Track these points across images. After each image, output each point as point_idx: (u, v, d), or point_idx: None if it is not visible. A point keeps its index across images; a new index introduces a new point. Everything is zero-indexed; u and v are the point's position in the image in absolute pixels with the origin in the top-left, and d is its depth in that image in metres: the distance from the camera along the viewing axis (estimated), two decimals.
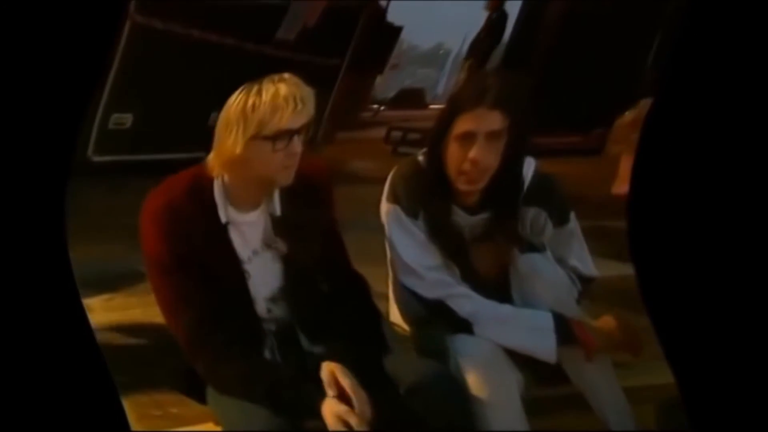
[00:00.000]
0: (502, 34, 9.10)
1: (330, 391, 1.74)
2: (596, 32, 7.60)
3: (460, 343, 1.99)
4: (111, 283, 3.30)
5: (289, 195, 1.91)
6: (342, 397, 1.74)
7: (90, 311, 3.08)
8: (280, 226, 1.93)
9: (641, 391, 2.10)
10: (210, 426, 2.02)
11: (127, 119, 5.89)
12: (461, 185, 2.01)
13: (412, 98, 11.47)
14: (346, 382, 1.75)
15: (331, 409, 1.73)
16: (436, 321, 2.05)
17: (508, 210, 2.07)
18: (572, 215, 2.16)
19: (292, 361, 1.92)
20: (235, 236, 1.92)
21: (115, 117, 5.81)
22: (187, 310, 1.85)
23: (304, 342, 1.98)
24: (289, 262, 1.95)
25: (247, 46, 6.63)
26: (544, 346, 1.99)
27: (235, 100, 1.83)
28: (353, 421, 1.71)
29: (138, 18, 5.88)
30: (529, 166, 2.11)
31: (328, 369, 1.78)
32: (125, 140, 5.83)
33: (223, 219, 1.91)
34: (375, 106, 10.48)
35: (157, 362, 2.43)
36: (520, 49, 8.61)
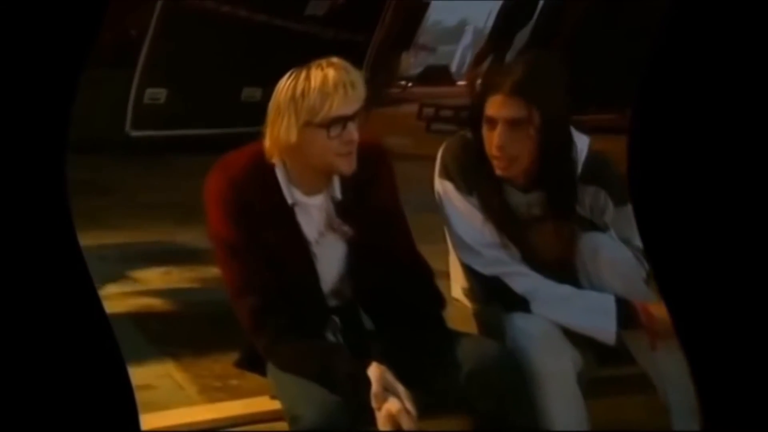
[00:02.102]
0: (534, 11, 9.00)
1: (376, 387, 1.73)
2: (625, 6, 7.53)
3: (517, 320, 1.98)
4: (164, 258, 3.31)
5: (348, 178, 1.90)
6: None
7: (146, 283, 3.11)
8: (342, 209, 1.92)
9: None
10: (264, 399, 2.04)
11: (162, 94, 5.91)
12: (497, 170, 2.01)
13: (438, 75, 11.45)
14: (396, 386, 1.75)
15: (386, 407, 1.72)
16: (493, 298, 2.04)
17: (564, 188, 2.05)
18: None
19: (354, 342, 1.92)
20: (302, 218, 1.91)
21: (149, 92, 5.83)
22: (253, 293, 1.85)
23: (367, 323, 1.97)
24: (354, 245, 1.94)
25: (277, 22, 6.62)
26: (603, 327, 1.97)
27: (284, 86, 1.82)
28: (405, 422, 1.71)
29: None
30: (583, 144, 2.08)
31: (376, 371, 1.76)
32: (161, 115, 5.86)
33: (290, 200, 1.90)
34: (403, 82, 10.45)
35: (217, 335, 2.44)
36: (549, 26, 8.54)
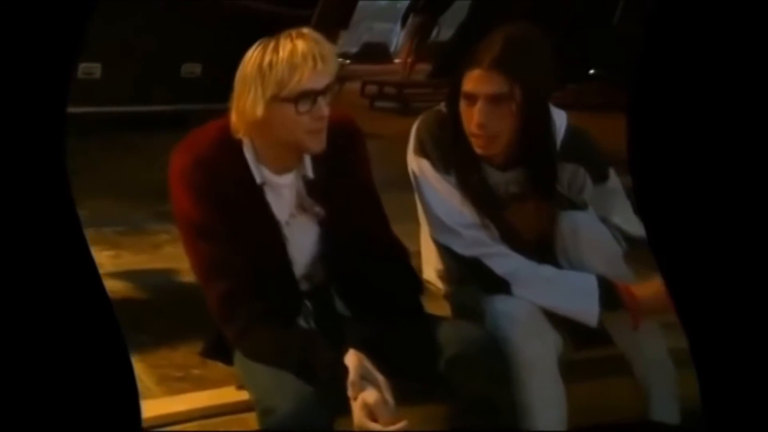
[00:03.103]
0: None
1: (353, 375, 1.66)
2: None
3: (498, 303, 1.91)
4: (113, 241, 3.15)
5: (320, 157, 1.81)
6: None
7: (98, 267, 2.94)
8: (314, 189, 1.84)
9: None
10: (231, 390, 1.95)
11: (96, 69, 5.68)
12: (476, 148, 1.94)
13: (376, 52, 11.36)
14: (374, 374, 1.67)
15: (362, 396, 1.65)
16: (473, 280, 1.97)
17: (543, 166, 1.98)
18: (612, 171, 2.07)
19: (327, 328, 1.84)
20: (272, 198, 1.82)
21: (83, 66, 5.59)
22: (223, 277, 1.75)
23: (341, 308, 1.89)
24: (327, 227, 1.85)
25: None
26: (586, 308, 1.92)
27: (251, 57, 1.73)
28: (382, 413, 1.64)
29: None
30: (561, 120, 2.02)
31: (354, 358, 1.68)
32: (97, 91, 5.62)
33: (258, 180, 1.80)
34: (340, 59, 10.33)
35: (175, 321, 2.33)
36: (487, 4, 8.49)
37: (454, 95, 1.95)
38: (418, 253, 2.11)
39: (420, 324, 1.83)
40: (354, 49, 11.77)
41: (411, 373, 1.78)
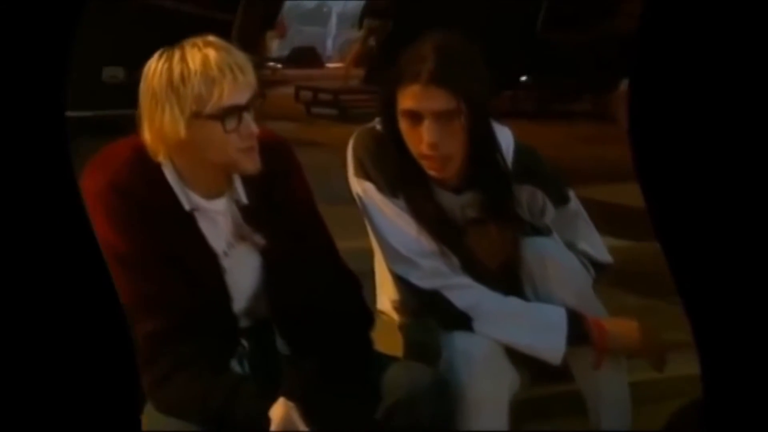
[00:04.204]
0: None
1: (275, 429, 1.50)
2: None
3: (456, 340, 1.73)
4: None
5: (251, 178, 1.63)
6: None
7: None
8: (250, 215, 1.65)
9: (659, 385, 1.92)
10: None
11: None
12: (429, 171, 1.77)
13: (306, 57, 11.21)
14: (299, 426, 1.52)
15: None
16: (431, 314, 1.80)
17: (497, 186, 1.82)
18: (572, 193, 1.92)
19: (263, 370, 1.67)
20: (205, 226, 1.62)
21: None
22: (151, 314, 1.55)
23: (282, 347, 1.70)
24: (268, 256, 1.66)
25: None
26: (551, 345, 1.76)
27: (156, 70, 1.55)
28: None
29: None
30: (507, 138, 1.86)
31: (280, 410, 1.52)
32: None
33: (187, 206, 1.61)
34: (271, 64, 10.12)
35: None
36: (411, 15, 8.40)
37: (389, 113, 1.77)
38: (372, 273, 1.92)
39: (365, 365, 1.66)
40: (285, 53, 11.61)
41: (349, 420, 1.59)
